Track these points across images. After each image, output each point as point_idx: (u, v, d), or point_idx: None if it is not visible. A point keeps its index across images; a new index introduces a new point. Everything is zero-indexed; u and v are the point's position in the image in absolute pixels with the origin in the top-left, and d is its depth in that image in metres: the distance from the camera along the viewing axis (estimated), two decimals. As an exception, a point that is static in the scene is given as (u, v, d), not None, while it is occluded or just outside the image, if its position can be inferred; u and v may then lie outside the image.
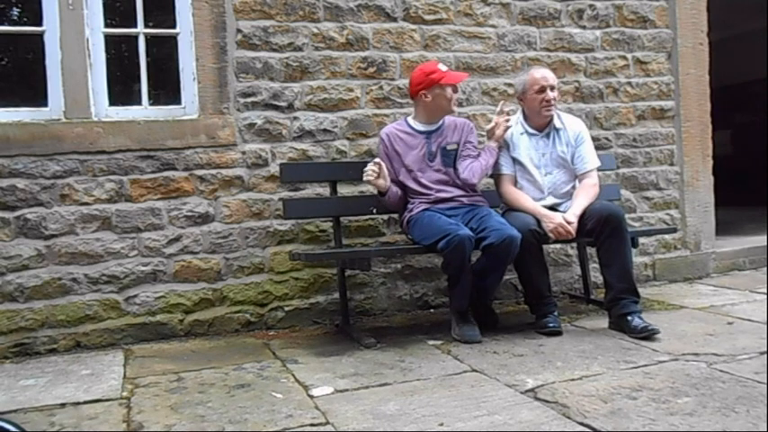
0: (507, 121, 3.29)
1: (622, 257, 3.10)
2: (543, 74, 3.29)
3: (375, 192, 3.23)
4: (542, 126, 3.34)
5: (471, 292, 3.09)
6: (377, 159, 3.13)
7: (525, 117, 3.38)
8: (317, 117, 3.58)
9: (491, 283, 3.17)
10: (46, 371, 2.81)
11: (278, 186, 3.50)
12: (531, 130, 3.34)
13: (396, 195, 3.23)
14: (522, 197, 3.27)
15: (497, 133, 3.29)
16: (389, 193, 3.18)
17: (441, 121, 3.33)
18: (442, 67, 3.24)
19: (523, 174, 3.33)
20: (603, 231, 3.08)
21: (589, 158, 3.34)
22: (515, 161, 3.34)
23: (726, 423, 1.93)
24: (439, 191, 3.24)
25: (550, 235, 3.11)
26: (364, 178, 3.09)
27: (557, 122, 3.34)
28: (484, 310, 3.28)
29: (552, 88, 3.27)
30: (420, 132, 3.30)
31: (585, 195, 3.24)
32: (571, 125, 3.38)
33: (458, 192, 3.27)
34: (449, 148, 3.30)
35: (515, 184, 3.34)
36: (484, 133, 3.47)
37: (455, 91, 3.26)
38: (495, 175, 3.38)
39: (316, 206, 3.44)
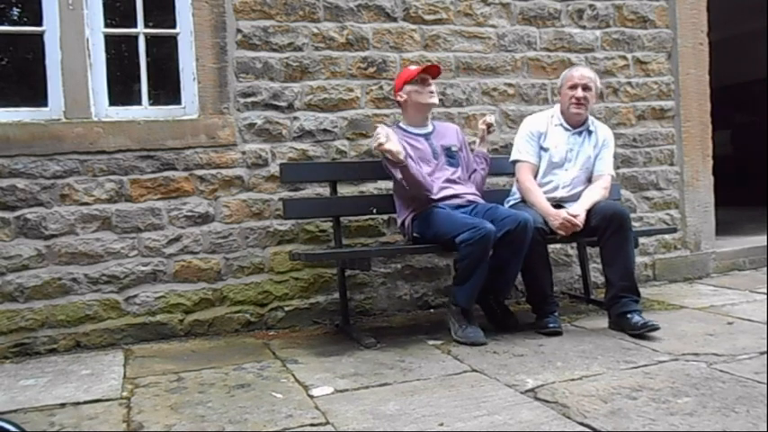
0: (488, 125, 3.42)
1: (625, 256, 3.10)
2: (581, 73, 3.34)
3: (393, 173, 3.11)
4: (575, 123, 3.37)
5: (479, 292, 3.08)
6: (380, 126, 3.10)
7: (561, 111, 3.42)
8: (317, 117, 3.58)
9: (511, 276, 3.14)
10: (46, 371, 2.81)
11: (278, 186, 3.50)
12: (565, 125, 3.38)
13: (419, 170, 3.13)
14: (535, 191, 3.29)
15: (485, 134, 3.42)
16: (411, 163, 3.07)
17: (431, 126, 3.37)
18: (413, 68, 3.32)
19: (545, 163, 3.36)
20: (608, 229, 3.10)
21: (607, 163, 3.40)
22: (542, 149, 3.36)
23: (726, 423, 1.93)
24: (444, 188, 3.24)
25: (559, 232, 3.12)
26: (372, 143, 3.02)
27: (590, 125, 3.41)
28: (502, 312, 3.26)
29: (585, 88, 3.29)
30: (418, 135, 3.31)
31: (596, 194, 3.27)
32: (601, 131, 3.45)
33: (462, 189, 3.29)
34: (453, 149, 3.33)
35: (536, 174, 3.36)
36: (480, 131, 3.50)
37: (426, 84, 3.27)
38: (518, 161, 3.40)
39: (316, 206, 3.44)
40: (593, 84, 3.33)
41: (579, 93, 3.29)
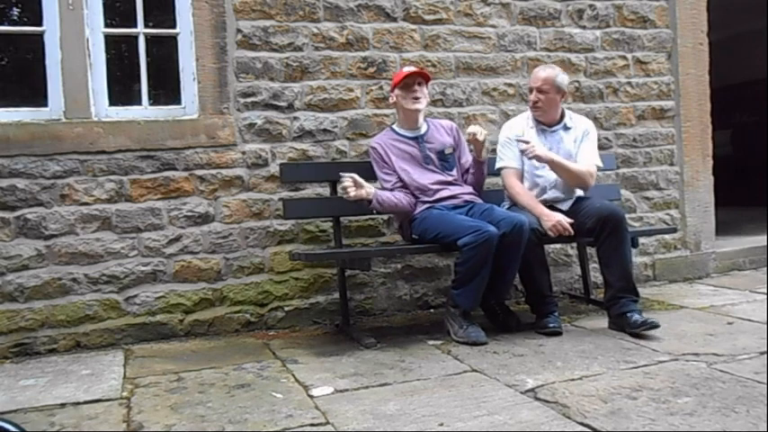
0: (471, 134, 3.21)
1: (622, 257, 3.10)
2: (536, 75, 3.30)
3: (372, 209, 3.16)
4: (548, 122, 3.35)
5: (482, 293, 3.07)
6: (344, 175, 3.03)
7: None
8: (317, 117, 3.58)
9: (509, 277, 3.14)
10: (46, 371, 2.81)
11: (278, 186, 3.50)
12: (540, 126, 3.35)
13: (392, 198, 3.16)
14: (525, 193, 3.28)
15: (479, 145, 3.22)
16: (382, 198, 3.11)
17: (424, 126, 3.34)
18: (406, 69, 3.27)
19: (528, 167, 3.34)
20: (603, 231, 3.09)
21: (589, 155, 3.33)
22: (523, 153, 3.33)
23: (726, 423, 1.93)
24: (439, 190, 3.23)
25: (549, 233, 3.11)
26: (346, 197, 3.01)
27: (568, 121, 3.38)
28: (503, 312, 3.25)
29: (539, 91, 3.26)
30: (409, 138, 3.30)
31: (577, 165, 3.24)
32: (580, 124, 3.42)
33: (458, 189, 3.28)
34: (446, 152, 3.32)
35: (521, 178, 3.35)
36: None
37: (410, 89, 3.22)
38: (503, 168, 3.38)
39: (316, 206, 3.44)
40: (549, 85, 3.24)
41: (532, 96, 3.29)
